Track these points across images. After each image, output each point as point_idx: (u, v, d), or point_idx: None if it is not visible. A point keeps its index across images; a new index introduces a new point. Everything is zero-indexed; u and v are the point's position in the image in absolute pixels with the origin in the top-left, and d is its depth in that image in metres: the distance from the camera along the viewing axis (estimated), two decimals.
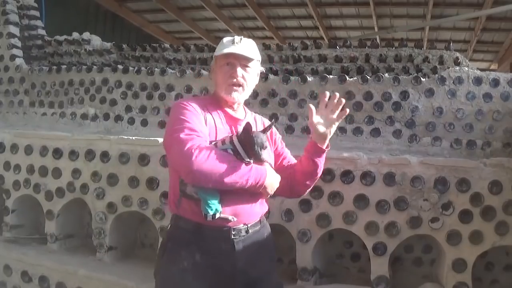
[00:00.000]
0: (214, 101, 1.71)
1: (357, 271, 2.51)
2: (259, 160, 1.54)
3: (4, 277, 2.68)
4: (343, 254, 2.57)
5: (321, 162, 1.70)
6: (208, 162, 1.46)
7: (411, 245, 2.46)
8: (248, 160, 1.52)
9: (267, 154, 1.59)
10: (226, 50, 1.60)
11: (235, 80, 1.62)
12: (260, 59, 1.73)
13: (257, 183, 1.52)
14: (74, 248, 2.79)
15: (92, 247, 2.66)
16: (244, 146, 1.51)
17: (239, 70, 1.62)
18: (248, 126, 1.50)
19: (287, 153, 1.85)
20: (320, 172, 1.73)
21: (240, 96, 1.65)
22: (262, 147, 1.51)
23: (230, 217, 1.56)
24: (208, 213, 1.53)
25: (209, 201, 1.54)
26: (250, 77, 1.66)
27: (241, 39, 1.64)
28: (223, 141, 1.55)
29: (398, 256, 2.46)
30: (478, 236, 2.06)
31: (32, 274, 2.58)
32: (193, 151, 1.46)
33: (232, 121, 1.68)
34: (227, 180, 1.47)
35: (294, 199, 2.25)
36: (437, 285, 2.19)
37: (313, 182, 1.76)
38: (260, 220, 1.68)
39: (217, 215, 1.54)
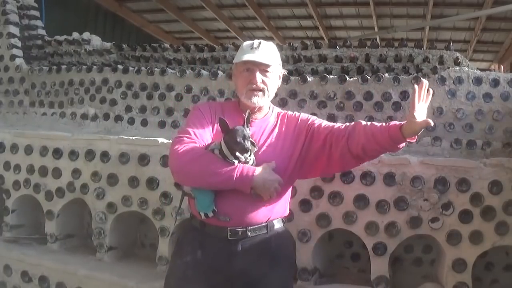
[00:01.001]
0: (233, 105, 1.75)
1: (357, 271, 2.51)
2: (244, 151, 1.50)
3: (4, 277, 2.68)
4: (343, 254, 2.57)
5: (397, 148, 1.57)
6: (188, 162, 1.52)
7: (411, 245, 2.45)
8: (232, 160, 1.51)
9: (252, 145, 1.54)
10: (244, 58, 1.61)
11: (254, 86, 1.62)
12: (280, 62, 1.72)
13: (242, 182, 1.50)
14: (74, 248, 2.79)
15: (92, 247, 2.66)
16: (228, 144, 1.51)
17: (258, 76, 1.62)
18: (222, 121, 1.51)
19: (322, 130, 1.68)
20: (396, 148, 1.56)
21: (261, 100, 1.65)
22: (244, 138, 1.48)
23: (222, 217, 1.55)
24: (200, 211, 1.56)
25: (201, 200, 1.56)
26: (270, 81, 1.66)
27: (259, 43, 1.64)
28: (214, 143, 1.58)
29: (398, 256, 2.45)
30: (478, 236, 2.06)
31: (32, 274, 2.58)
32: (177, 151, 1.54)
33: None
34: (206, 179, 1.50)
35: (293, 199, 2.25)
36: (437, 285, 2.20)
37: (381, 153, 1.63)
38: (267, 225, 1.63)
39: (210, 214, 1.55)
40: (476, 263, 2.11)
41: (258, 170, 1.53)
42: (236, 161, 1.52)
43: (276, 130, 1.70)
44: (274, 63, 1.65)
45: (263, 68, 1.63)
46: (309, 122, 1.72)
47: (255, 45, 1.63)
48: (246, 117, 1.53)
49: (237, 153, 1.51)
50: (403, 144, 1.55)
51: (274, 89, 1.70)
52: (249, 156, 1.56)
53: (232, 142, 1.49)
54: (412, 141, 1.54)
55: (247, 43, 1.67)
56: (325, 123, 1.71)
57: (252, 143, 1.57)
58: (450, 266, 2.08)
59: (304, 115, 1.76)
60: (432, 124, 1.46)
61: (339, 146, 1.60)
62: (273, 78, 1.67)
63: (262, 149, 1.63)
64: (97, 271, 2.44)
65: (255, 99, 1.63)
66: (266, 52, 1.63)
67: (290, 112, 1.80)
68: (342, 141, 1.60)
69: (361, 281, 2.31)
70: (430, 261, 2.45)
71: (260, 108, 1.70)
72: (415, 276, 2.40)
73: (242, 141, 1.48)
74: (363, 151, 1.58)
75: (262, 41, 1.66)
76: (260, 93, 1.64)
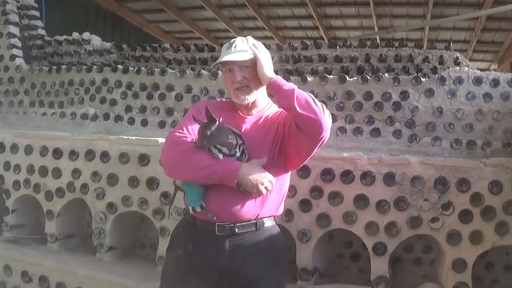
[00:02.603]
0: (230, 103, 1.76)
1: (357, 271, 2.51)
2: (202, 148, 1.51)
3: (4, 277, 2.68)
4: (343, 254, 2.57)
5: (280, 92, 1.56)
6: (176, 156, 1.57)
7: (411, 245, 2.46)
8: (216, 154, 1.52)
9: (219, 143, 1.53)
10: (221, 60, 1.65)
11: (237, 84, 1.64)
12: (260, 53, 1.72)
13: (227, 177, 1.52)
14: (74, 248, 2.79)
15: (92, 247, 2.66)
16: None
17: (239, 74, 1.64)
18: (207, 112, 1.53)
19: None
20: (285, 99, 1.53)
21: (249, 96, 1.66)
22: (204, 134, 1.50)
23: (209, 214, 1.56)
24: (189, 205, 1.59)
25: (189, 194, 1.59)
26: (253, 74, 1.66)
27: (234, 42, 1.67)
28: None
29: (398, 256, 2.46)
30: (478, 236, 2.06)
31: (32, 274, 2.58)
32: (167, 145, 1.61)
33: (241, 119, 1.69)
34: (192, 173, 1.54)
35: (293, 199, 2.25)
36: (437, 285, 2.20)
37: (300, 113, 1.51)
38: (256, 222, 1.62)
39: (197, 209, 1.57)
40: (476, 263, 2.11)
41: (245, 165, 1.54)
42: (220, 155, 1.53)
43: (267, 125, 1.70)
44: (249, 58, 1.65)
45: (242, 64, 1.64)
46: (285, 114, 1.72)
47: (228, 45, 1.67)
48: (206, 114, 1.54)
49: (219, 146, 1.52)
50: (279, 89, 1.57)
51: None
52: (234, 148, 1.55)
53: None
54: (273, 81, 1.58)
55: (225, 45, 1.71)
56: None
57: (238, 136, 1.58)
58: (450, 266, 2.08)
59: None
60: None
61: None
62: (255, 71, 1.67)
63: (254, 145, 1.63)
64: (97, 271, 2.44)
65: (242, 97, 1.65)
66: (241, 49, 1.65)
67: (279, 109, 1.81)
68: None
69: (361, 281, 2.31)
70: (430, 261, 2.45)
71: (254, 104, 1.71)
72: (415, 276, 2.40)
73: (200, 139, 1.50)
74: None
75: (237, 39, 1.69)
76: (247, 89, 1.65)
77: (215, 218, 1.56)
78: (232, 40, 1.69)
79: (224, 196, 1.57)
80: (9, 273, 2.65)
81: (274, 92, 1.60)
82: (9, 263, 2.66)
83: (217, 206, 1.57)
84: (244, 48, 1.66)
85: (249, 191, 1.55)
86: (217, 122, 1.53)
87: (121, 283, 2.33)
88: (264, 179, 1.55)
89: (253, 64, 1.66)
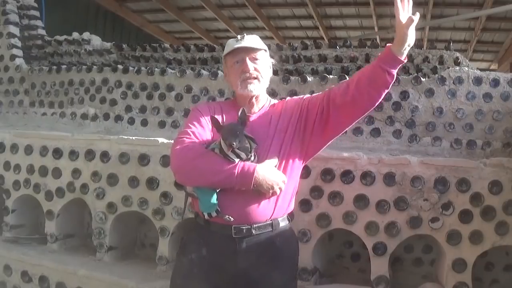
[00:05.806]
0: (232, 103, 1.76)
1: (357, 271, 2.51)
2: (230, 147, 1.48)
3: (4, 277, 2.68)
4: (343, 254, 2.57)
5: (393, 73, 1.52)
6: (189, 162, 1.53)
7: (411, 245, 2.46)
8: (232, 158, 1.51)
9: (247, 149, 1.54)
10: (232, 47, 1.64)
11: (248, 74, 1.63)
12: (267, 50, 1.74)
13: (243, 180, 1.51)
14: (74, 248, 2.79)
15: (92, 247, 2.66)
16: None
17: (249, 63, 1.64)
18: (213, 119, 1.53)
19: (316, 99, 1.72)
20: (390, 81, 1.52)
21: (257, 88, 1.66)
22: (234, 135, 1.47)
23: (226, 217, 1.55)
24: (203, 211, 1.56)
25: (204, 200, 1.56)
26: (262, 67, 1.67)
27: (243, 35, 1.67)
28: (214, 142, 1.59)
29: (398, 256, 2.45)
30: (478, 236, 2.06)
31: (32, 274, 2.58)
32: (178, 152, 1.56)
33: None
34: (207, 177, 1.51)
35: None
36: (437, 285, 2.20)
37: (378, 92, 1.55)
38: (272, 223, 1.63)
39: (213, 214, 1.55)
40: (476, 263, 2.11)
41: (260, 167, 1.54)
42: (237, 159, 1.52)
43: (272, 122, 1.70)
44: (261, 48, 1.67)
45: (253, 55, 1.65)
46: (303, 99, 1.74)
47: (239, 38, 1.67)
48: (240, 114, 1.53)
49: (237, 151, 1.51)
50: (394, 69, 1.51)
51: (267, 77, 1.71)
52: (250, 153, 1.56)
53: (224, 139, 1.50)
54: (403, 60, 1.50)
55: (231, 39, 1.71)
56: (320, 93, 1.74)
57: (251, 140, 1.57)
58: (450, 266, 2.08)
59: (294, 97, 1.79)
60: (417, 16, 1.44)
61: (338, 96, 1.61)
62: (264, 65, 1.69)
63: (263, 144, 1.62)
64: (97, 271, 2.44)
65: (251, 87, 1.65)
66: (251, 40, 1.66)
67: (279, 100, 1.81)
68: (340, 90, 1.62)
69: (361, 281, 2.31)
70: (430, 261, 2.45)
71: (257, 98, 1.71)
72: (415, 276, 2.40)
73: (231, 138, 1.46)
74: (356, 89, 1.56)
75: (245, 34, 1.69)
76: (255, 81, 1.65)
77: (232, 220, 1.55)
78: (239, 35, 1.69)
79: (238, 199, 1.56)
80: (9, 273, 2.66)
81: (393, 67, 1.51)
82: (9, 263, 2.66)
83: (233, 209, 1.56)
84: (254, 41, 1.67)
85: (264, 192, 1.55)
86: (244, 125, 1.53)
87: (121, 283, 2.33)
88: (278, 179, 1.57)
89: (263, 57, 1.67)
